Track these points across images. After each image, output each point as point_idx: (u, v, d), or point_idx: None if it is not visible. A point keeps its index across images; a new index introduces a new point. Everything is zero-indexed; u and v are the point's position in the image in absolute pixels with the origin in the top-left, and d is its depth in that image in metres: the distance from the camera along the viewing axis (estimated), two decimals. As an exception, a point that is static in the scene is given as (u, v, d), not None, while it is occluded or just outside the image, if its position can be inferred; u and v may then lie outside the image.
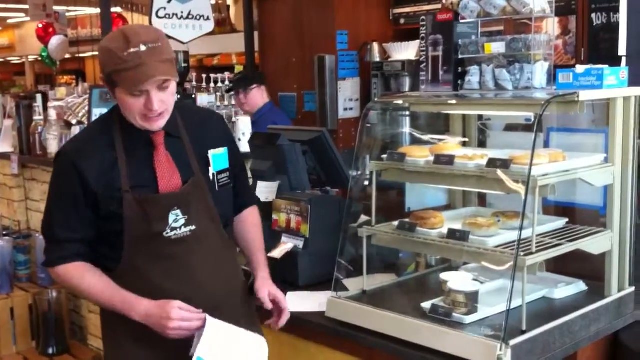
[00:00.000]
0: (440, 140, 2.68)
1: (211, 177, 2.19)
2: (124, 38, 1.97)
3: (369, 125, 2.68)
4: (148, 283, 2.09)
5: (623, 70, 2.41)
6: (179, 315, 2.00)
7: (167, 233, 2.09)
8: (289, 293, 2.61)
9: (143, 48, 1.95)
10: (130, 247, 2.08)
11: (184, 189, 2.12)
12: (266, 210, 2.89)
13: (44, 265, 2.19)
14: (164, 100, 2.03)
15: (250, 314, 2.33)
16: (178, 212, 2.10)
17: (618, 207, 2.46)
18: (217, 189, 2.20)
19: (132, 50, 1.94)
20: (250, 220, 2.42)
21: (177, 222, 2.10)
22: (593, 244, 2.40)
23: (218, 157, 2.22)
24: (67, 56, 10.78)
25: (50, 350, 4.13)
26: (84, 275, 2.11)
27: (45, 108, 4.57)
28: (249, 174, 2.75)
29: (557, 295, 2.47)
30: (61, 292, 4.18)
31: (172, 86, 2.05)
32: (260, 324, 2.35)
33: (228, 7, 9.02)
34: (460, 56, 2.60)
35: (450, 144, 2.63)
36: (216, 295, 2.17)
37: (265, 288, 2.24)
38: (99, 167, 2.06)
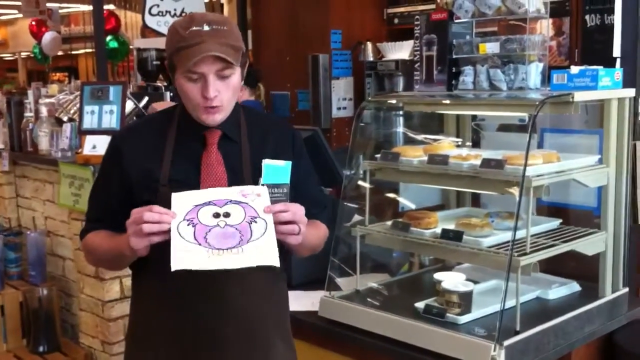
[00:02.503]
0: (434, 140, 2.68)
1: None
2: (189, 18, 1.88)
3: (362, 124, 2.68)
4: (171, 284, 1.88)
5: (618, 72, 2.41)
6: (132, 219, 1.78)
7: None
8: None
9: (206, 28, 1.83)
10: (159, 244, 1.85)
11: None
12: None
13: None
14: (221, 91, 1.87)
15: (286, 337, 2.12)
16: None
17: (612, 208, 2.46)
18: None
19: (194, 28, 1.83)
20: (314, 220, 2.08)
21: None
22: (587, 245, 2.40)
23: (274, 169, 1.96)
24: (60, 53, 10.74)
25: (41, 348, 4.10)
26: (99, 233, 1.99)
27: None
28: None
29: (551, 295, 2.47)
30: (52, 290, 4.15)
31: (234, 79, 1.88)
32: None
33: (222, 5, 8.99)
34: (454, 56, 2.59)
35: (444, 144, 2.63)
36: (247, 314, 1.95)
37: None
38: (141, 152, 1.96)
